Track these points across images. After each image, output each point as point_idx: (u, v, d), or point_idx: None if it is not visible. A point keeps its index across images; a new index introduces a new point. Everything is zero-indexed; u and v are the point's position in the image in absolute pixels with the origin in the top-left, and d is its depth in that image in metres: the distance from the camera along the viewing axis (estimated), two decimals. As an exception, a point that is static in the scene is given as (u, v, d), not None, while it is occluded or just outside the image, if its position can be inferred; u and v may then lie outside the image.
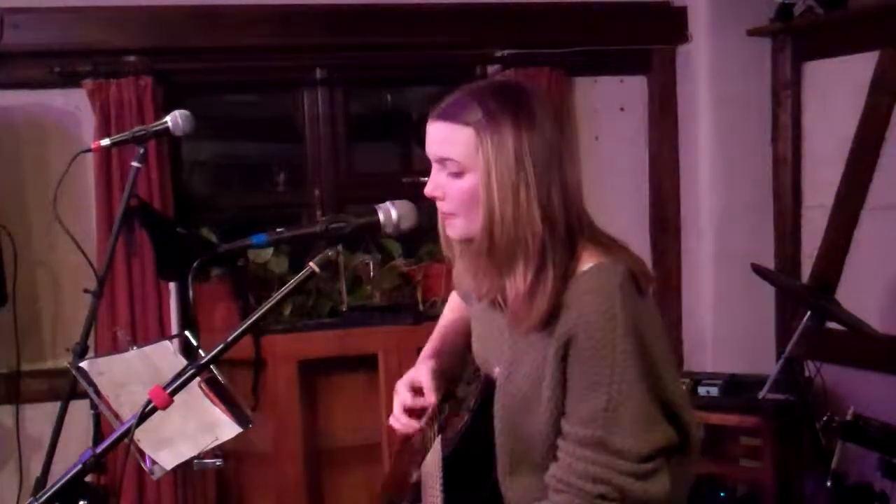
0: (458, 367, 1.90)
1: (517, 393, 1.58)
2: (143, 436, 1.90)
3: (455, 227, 1.57)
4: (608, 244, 1.56)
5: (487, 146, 1.48)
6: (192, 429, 2.18)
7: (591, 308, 1.47)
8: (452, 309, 2.01)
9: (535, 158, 1.48)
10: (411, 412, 1.78)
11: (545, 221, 1.48)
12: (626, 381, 1.46)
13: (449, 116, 1.53)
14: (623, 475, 1.47)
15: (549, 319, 1.51)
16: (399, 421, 1.78)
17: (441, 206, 1.57)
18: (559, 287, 1.50)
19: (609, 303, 1.46)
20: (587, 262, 1.51)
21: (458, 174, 1.52)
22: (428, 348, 1.93)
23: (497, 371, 1.65)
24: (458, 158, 1.51)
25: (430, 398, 1.77)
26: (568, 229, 1.51)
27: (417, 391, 1.79)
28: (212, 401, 2.25)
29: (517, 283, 1.51)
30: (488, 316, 1.71)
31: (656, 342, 1.52)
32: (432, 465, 1.72)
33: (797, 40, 3.79)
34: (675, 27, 3.92)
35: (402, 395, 1.79)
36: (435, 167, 1.57)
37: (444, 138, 1.53)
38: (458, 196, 1.53)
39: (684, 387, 3.40)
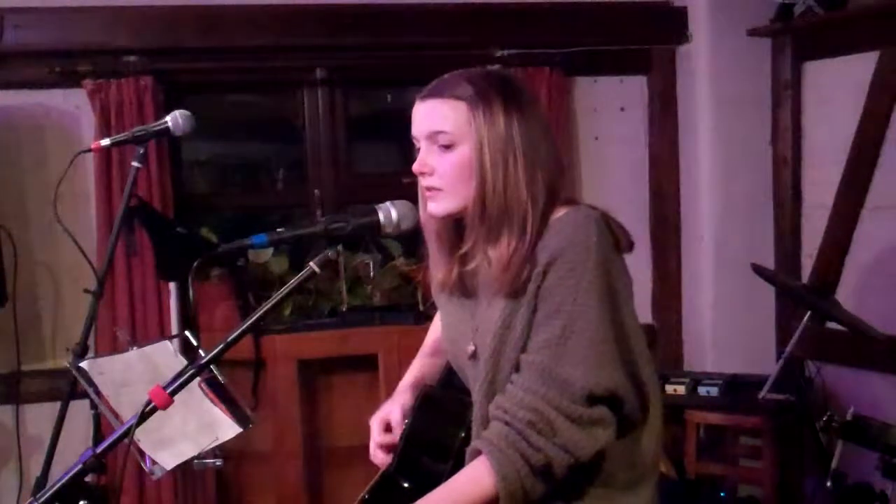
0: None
1: (489, 355, 1.59)
2: (143, 436, 1.90)
3: (439, 202, 1.60)
4: (584, 204, 1.62)
5: (480, 119, 1.55)
6: (192, 429, 2.18)
7: (566, 239, 1.52)
8: (436, 327, 2.04)
9: (523, 134, 1.55)
10: (388, 448, 1.85)
11: (529, 193, 1.55)
12: (586, 311, 1.49)
13: (440, 93, 1.59)
14: (557, 411, 1.48)
15: (521, 284, 1.55)
16: (376, 457, 1.86)
17: (428, 182, 1.60)
18: (532, 248, 1.55)
19: (583, 236, 1.52)
20: (562, 211, 1.58)
21: (449, 147, 1.57)
22: (406, 379, 1.98)
23: (471, 348, 1.67)
24: (451, 130, 1.56)
25: (397, 434, 1.84)
26: (546, 200, 1.57)
27: (389, 428, 1.86)
28: (212, 401, 2.25)
29: (501, 250, 1.56)
30: (455, 305, 1.75)
31: (625, 294, 1.55)
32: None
33: (797, 40, 3.79)
34: (675, 27, 3.92)
35: (373, 433, 1.86)
36: (424, 146, 1.60)
37: (436, 112, 1.58)
38: (449, 169, 1.57)
39: (684, 387, 3.46)
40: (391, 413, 1.86)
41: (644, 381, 1.58)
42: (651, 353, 1.63)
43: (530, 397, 1.49)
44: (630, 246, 1.61)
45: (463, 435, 1.71)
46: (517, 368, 1.55)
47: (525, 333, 1.54)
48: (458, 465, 1.62)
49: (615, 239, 1.57)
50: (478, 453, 1.53)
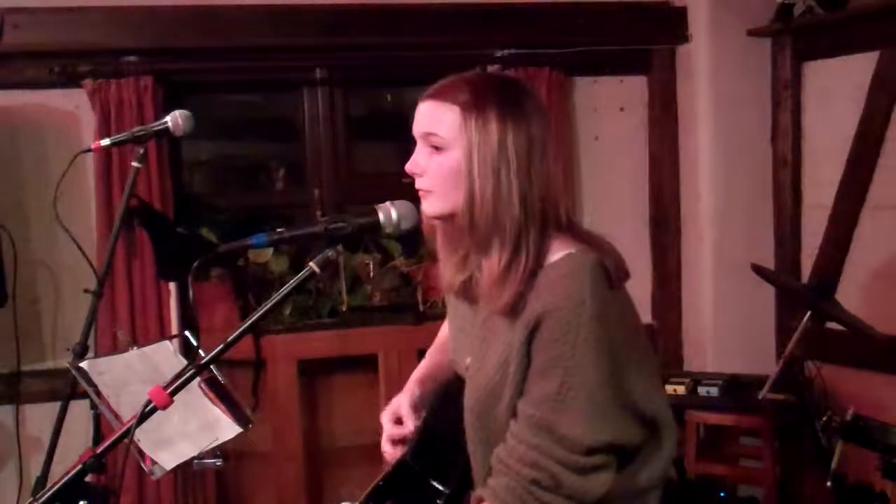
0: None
1: (487, 383, 1.59)
2: (143, 436, 1.90)
3: (431, 203, 1.59)
4: (584, 237, 1.58)
5: (472, 126, 1.53)
6: (192, 429, 2.18)
7: (560, 294, 1.49)
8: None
9: (518, 146, 1.52)
10: (397, 441, 1.85)
11: (523, 207, 1.52)
12: (582, 368, 1.47)
13: (438, 96, 1.58)
14: (560, 465, 1.48)
15: (518, 308, 1.53)
16: (386, 453, 1.86)
17: (418, 183, 1.60)
18: (530, 273, 1.53)
19: (578, 289, 1.48)
20: (558, 251, 1.54)
21: (439, 150, 1.56)
22: (417, 372, 1.98)
23: (468, 361, 1.67)
24: (442, 134, 1.55)
25: (409, 426, 1.84)
26: (543, 219, 1.54)
27: (399, 421, 1.86)
28: (212, 401, 2.25)
29: (492, 262, 1.54)
30: (461, 311, 1.75)
31: (623, 335, 1.53)
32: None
33: (797, 40, 3.78)
34: (675, 27, 3.92)
35: (384, 427, 1.87)
36: (419, 145, 1.60)
37: (431, 115, 1.57)
38: (438, 172, 1.56)
39: (684, 387, 3.46)
40: (400, 405, 1.86)
41: (652, 417, 1.57)
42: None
43: (532, 453, 1.49)
44: (626, 276, 1.57)
45: None
46: (514, 413, 1.53)
47: (519, 375, 1.53)
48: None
49: (610, 280, 1.52)
50: (482, 500, 1.54)
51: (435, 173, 1.57)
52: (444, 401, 1.81)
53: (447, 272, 1.69)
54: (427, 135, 1.57)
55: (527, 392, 1.52)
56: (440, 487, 1.68)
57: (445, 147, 1.55)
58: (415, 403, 1.86)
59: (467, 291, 1.67)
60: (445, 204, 1.57)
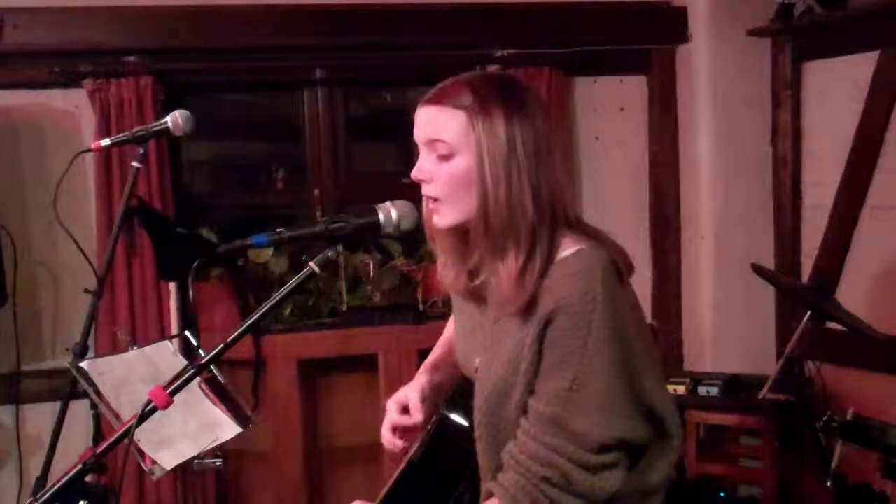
0: (458, 377, 1.92)
1: (496, 382, 1.58)
2: (143, 436, 1.90)
3: (442, 213, 1.57)
4: (590, 233, 1.57)
5: (479, 130, 1.51)
6: (193, 429, 2.18)
7: (572, 290, 1.48)
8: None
9: (526, 145, 1.51)
10: (401, 430, 1.83)
11: (535, 207, 1.51)
12: (595, 364, 1.47)
13: (440, 100, 1.55)
14: (572, 463, 1.47)
15: (530, 305, 1.52)
16: (384, 438, 1.84)
17: (426, 190, 1.58)
18: (542, 271, 1.52)
19: (589, 286, 1.48)
20: (568, 247, 1.53)
21: (447, 156, 1.53)
22: (429, 360, 1.96)
23: (478, 362, 1.66)
24: (449, 140, 1.53)
25: (415, 417, 1.81)
26: (553, 217, 1.53)
27: (406, 409, 1.83)
28: (212, 401, 2.25)
29: (509, 265, 1.52)
30: (468, 311, 1.74)
31: (634, 332, 1.52)
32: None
33: (797, 40, 3.79)
34: (675, 27, 3.92)
35: (389, 413, 1.84)
36: (423, 151, 1.58)
37: (435, 121, 1.54)
38: (447, 179, 1.54)
39: (684, 387, 3.46)
40: (408, 396, 1.84)
41: (661, 416, 1.57)
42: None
43: (543, 450, 1.49)
44: (632, 271, 1.58)
45: None
46: (524, 410, 1.53)
47: (531, 373, 1.52)
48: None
49: (620, 276, 1.52)
50: (492, 495, 1.54)
51: (444, 181, 1.54)
52: (454, 401, 1.81)
53: (451, 274, 1.67)
54: (432, 141, 1.54)
55: (538, 388, 1.52)
56: (450, 487, 1.68)
57: (453, 153, 1.53)
58: (424, 396, 1.83)
59: (475, 294, 1.66)
60: (458, 212, 1.55)
